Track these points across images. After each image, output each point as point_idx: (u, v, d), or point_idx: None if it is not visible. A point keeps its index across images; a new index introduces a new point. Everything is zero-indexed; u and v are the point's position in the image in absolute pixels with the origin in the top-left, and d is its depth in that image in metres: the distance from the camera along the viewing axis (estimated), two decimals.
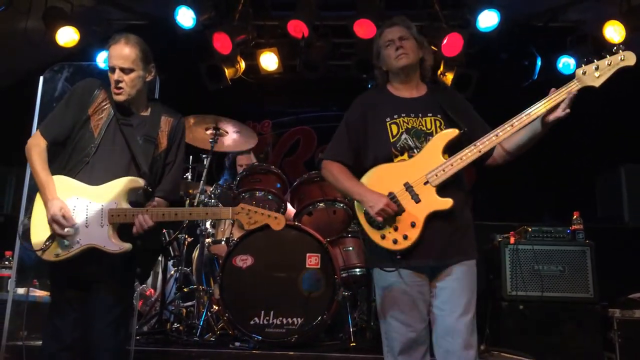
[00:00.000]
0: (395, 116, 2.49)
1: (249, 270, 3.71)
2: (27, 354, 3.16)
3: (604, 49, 5.16)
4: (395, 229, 2.35)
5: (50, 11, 5.54)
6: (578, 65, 5.93)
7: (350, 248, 4.31)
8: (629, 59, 2.26)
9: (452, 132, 2.40)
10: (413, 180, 2.37)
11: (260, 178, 4.32)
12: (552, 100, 2.27)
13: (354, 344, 3.63)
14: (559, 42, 5.74)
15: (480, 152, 2.34)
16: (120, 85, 2.54)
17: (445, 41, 5.51)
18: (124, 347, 2.59)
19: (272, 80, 6.42)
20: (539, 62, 5.57)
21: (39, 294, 4.30)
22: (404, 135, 2.46)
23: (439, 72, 5.96)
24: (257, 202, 4.29)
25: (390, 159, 2.46)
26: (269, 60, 6.13)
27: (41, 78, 3.67)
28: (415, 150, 2.43)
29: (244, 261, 3.74)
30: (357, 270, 4.22)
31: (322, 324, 3.62)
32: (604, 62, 2.27)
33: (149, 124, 2.62)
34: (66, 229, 2.37)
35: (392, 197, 2.37)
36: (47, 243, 2.39)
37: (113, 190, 2.45)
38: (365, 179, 2.48)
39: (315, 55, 5.88)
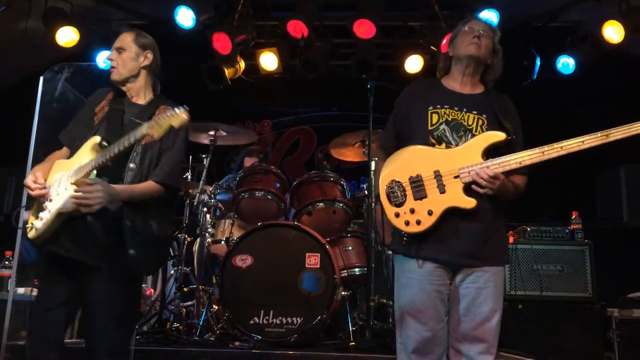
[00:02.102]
0: (439, 106, 2.48)
1: (248, 270, 3.72)
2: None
3: (603, 49, 5.14)
4: (412, 212, 2.33)
5: (50, 11, 5.55)
6: (577, 64, 5.93)
7: (350, 248, 4.32)
8: None
9: (499, 136, 2.36)
10: (444, 170, 2.35)
11: (260, 178, 4.33)
12: (610, 136, 2.20)
13: (354, 344, 3.63)
14: (558, 42, 5.75)
15: (520, 164, 2.29)
16: (113, 63, 2.59)
17: (444, 41, 5.51)
18: (125, 349, 2.46)
19: (272, 81, 6.43)
20: (538, 62, 5.58)
21: None
22: (443, 126, 2.45)
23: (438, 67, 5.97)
24: (257, 202, 4.31)
25: (427, 145, 2.45)
26: (268, 61, 6.14)
27: (41, 78, 3.67)
28: (452, 142, 2.41)
29: (243, 261, 3.75)
30: (357, 269, 4.24)
31: (322, 324, 3.63)
32: None
33: (143, 111, 2.58)
34: (36, 191, 2.36)
35: (418, 179, 2.36)
36: (32, 222, 2.37)
37: (82, 158, 2.42)
38: (397, 154, 2.47)
39: (315, 55, 5.89)
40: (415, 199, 2.34)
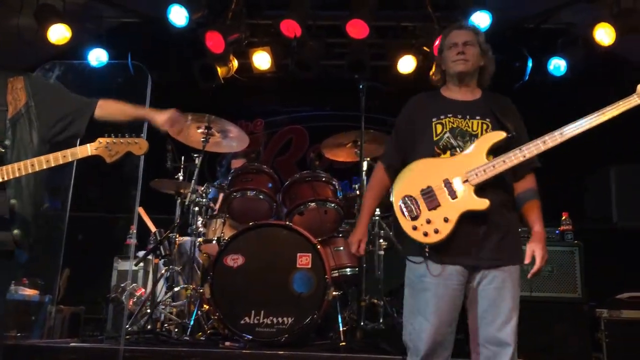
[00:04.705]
0: (442, 116, 2.51)
1: (240, 269, 3.72)
2: (18, 353, 3.16)
3: (594, 51, 5.16)
4: (428, 222, 2.36)
5: (42, 8, 5.51)
6: (569, 66, 5.96)
7: (341, 248, 4.32)
8: None
9: (499, 134, 2.40)
10: (453, 176, 2.38)
11: (251, 178, 4.33)
12: (607, 114, 2.25)
13: (344, 344, 3.64)
14: (550, 44, 5.78)
15: (524, 157, 2.32)
16: None
17: (437, 42, 5.53)
18: None
19: (264, 80, 6.42)
20: (530, 64, 5.61)
21: (29, 292, 4.30)
22: (447, 134, 2.48)
23: (431, 72, 5.96)
24: (249, 202, 4.31)
25: (433, 157, 2.48)
26: (261, 60, 6.13)
27: None
28: (457, 150, 2.45)
29: (234, 260, 3.74)
30: (348, 270, 4.25)
31: (313, 324, 3.63)
32: None
33: None
34: None
35: (429, 190, 2.40)
36: None
37: None
38: (407, 170, 2.50)
39: (308, 54, 5.89)
40: (430, 210, 2.38)
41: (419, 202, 2.41)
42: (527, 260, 2.36)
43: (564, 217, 4.46)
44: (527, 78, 5.62)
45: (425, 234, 2.37)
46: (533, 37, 5.77)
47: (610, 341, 4.17)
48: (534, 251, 2.35)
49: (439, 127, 2.50)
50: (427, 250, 2.38)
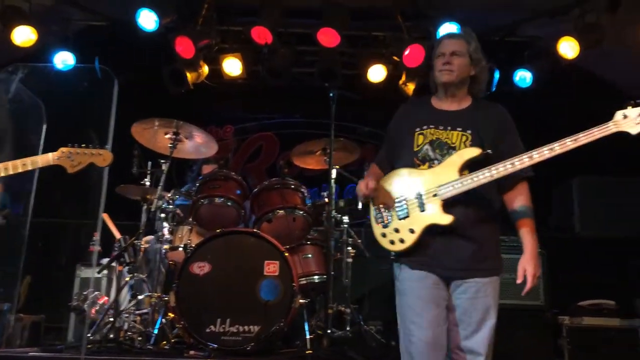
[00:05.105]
0: (425, 127, 2.54)
1: (206, 277, 3.67)
2: None
3: (559, 64, 5.27)
4: (396, 231, 2.45)
5: (7, 10, 5.40)
6: (534, 78, 6.07)
7: (310, 255, 4.32)
8: None
9: (473, 151, 2.41)
10: (425, 190, 2.43)
11: (220, 184, 4.28)
12: (579, 141, 2.22)
13: (310, 352, 3.63)
14: (516, 56, 5.90)
15: (492, 177, 2.33)
16: None
17: (407, 52, 5.61)
18: None
19: (235, 86, 6.39)
20: (497, 75, 5.71)
21: None
22: (426, 146, 2.51)
23: (400, 82, 6.06)
24: (216, 209, 4.27)
25: (413, 167, 2.52)
26: (232, 66, 6.11)
27: None
28: (435, 162, 2.47)
29: (201, 268, 3.70)
30: (316, 277, 4.24)
31: (279, 332, 3.60)
32: None
33: None
34: None
35: (402, 200, 2.46)
36: None
37: None
38: (385, 179, 2.57)
39: (278, 62, 5.89)
40: (399, 219, 2.46)
41: (391, 211, 2.49)
42: (519, 280, 2.37)
43: None
44: (494, 89, 5.71)
45: (392, 242, 2.46)
46: (500, 49, 5.88)
47: (572, 348, 4.27)
48: (525, 269, 2.38)
49: (421, 138, 2.53)
50: (392, 257, 2.49)
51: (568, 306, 4.52)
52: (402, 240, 2.43)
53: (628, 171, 5.66)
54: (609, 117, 2.23)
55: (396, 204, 2.48)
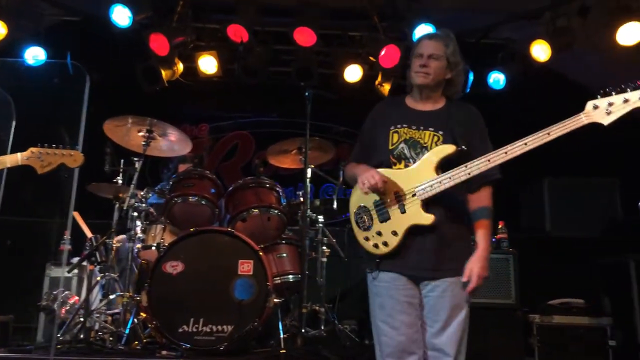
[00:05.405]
0: (399, 125, 2.54)
1: (179, 276, 3.64)
2: None
3: (531, 66, 5.33)
4: (379, 234, 2.44)
5: None
6: (507, 80, 6.15)
7: (284, 255, 4.31)
8: None
9: (448, 148, 2.42)
10: (404, 190, 2.42)
11: (194, 183, 4.25)
12: (552, 133, 2.21)
13: (284, 351, 3.62)
14: (490, 58, 5.98)
15: (469, 174, 2.33)
16: None
17: (383, 52, 5.63)
18: None
19: (210, 84, 6.34)
20: (471, 77, 5.77)
21: None
22: (402, 145, 2.51)
23: (376, 82, 6.08)
24: (190, 208, 4.23)
25: (389, 166, 2.51)
26: (208, 64, 6.06)
27: None
28: (411, 161, 2.48)
29: (174, 267, 3.66)
30: (291, 276, 4.24)
31: (253, 331, 3.59)
32: (619, 99, 2.10)
33: None
34: None
35: (381, 202, 2.45)
36: None
37: None
38: None
39: (254, 60, 5.86)
40: (381, 222, 2.45)
41: (372, 214, 2.48)
42: (464, 278, 2.37)
43: (500, 226, 4.60)
44: (468, 90, 5.77)
45: (376, 246, 2.46)
46: (474, 51, 5.94)
47: (542, 346, 4.35)
48: (472, 269, 2.37)
49: (395, 137, 2.54)
50: (377, 260, 2.47)
51: (538, 305, 4.59)
52: (385, 244, 2.43)
53: (598, 171, 5.79)
54: None
55: (376, 207, 2.47)
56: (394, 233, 2.41)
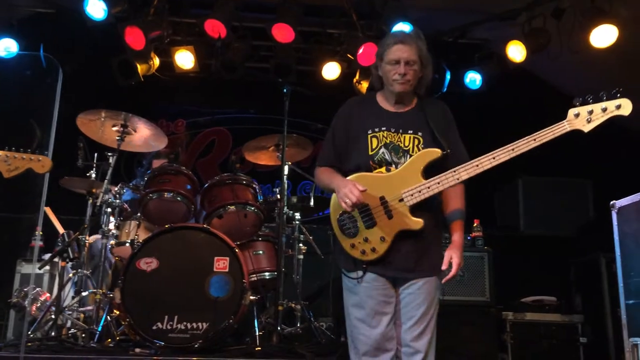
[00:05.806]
0: (377, 129, 2.52)
1: (153, 273, 3.58)
2: None
3: (507, 67, 5.37)
4: (366, 240, 2.43)
5: None
6: (484, 80, 6.20)
7: (261, 252, 4.30)
8: (625, 108, 2.15)
9: (435, 153, 2.42)
10: (389, 195, 2.41)
11: (169, 179, 4.20)
12: (538, 139, 2.26)
13: (259, 349, 3.60)
14: (467, 58, 6.03)
15: (458, 179, 2.36)
16: None
17: (361, 50, 5.63)
18: None
19: (187, 79, 6.27)
20: (448, 76, 5.81)
21: None
22: (382, 150, 2.50)
23: (354, 80, 6.09)
24: (165, 204, 4.18)
25: (369, 171, 2.50)
26: (184, 59, 5.98)
27: None
28: (393, 165, 2.47)
29: (148, 264, 3.61)
30: (267, 273, 4.23)
31: (228, 329, 3.56)
32: (598, 107, 2.20)
33: None
34: None
35: (366, 208, 2.42)
36: None
37: None
38: None
39: (232, 56, 5.81)
40: (367, 228, 2.43)
41: (356, 220, 2.45)
42: (444, 266, 2.42)
43: (475, 224, 4.65)
44: (445, 89, 5.82)
45: (363, 252, 2.44)
46: (451, 50, 5.99)
47: (515, 342, 4.43)
48: (452, 257, 2.42)
49: (374, 141, 2.52)
50: (364, 266, 2.45)
51: (512, 302, 4.66)
52: (373, 250, 2.42)
53: (571, 172, 5.89)
54: (557, 118, 2.30)
55: (361, 213, 2.45)
56: (382, 239, 2.41)
